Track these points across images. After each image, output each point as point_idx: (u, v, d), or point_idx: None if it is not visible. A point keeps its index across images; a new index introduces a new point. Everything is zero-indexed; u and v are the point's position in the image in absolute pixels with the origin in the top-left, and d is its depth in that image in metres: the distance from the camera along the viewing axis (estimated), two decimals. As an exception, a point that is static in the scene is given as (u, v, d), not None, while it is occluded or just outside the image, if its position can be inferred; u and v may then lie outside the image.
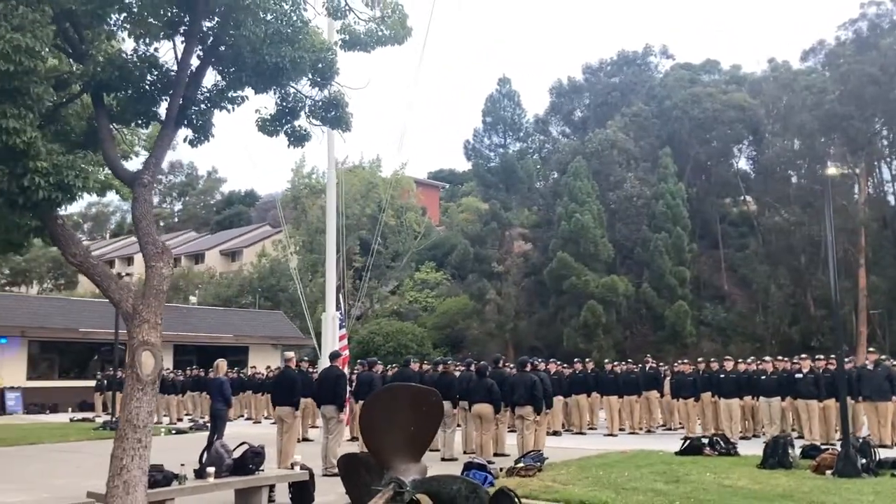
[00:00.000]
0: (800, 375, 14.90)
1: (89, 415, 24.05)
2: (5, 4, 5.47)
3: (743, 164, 51.68)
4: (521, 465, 11.61)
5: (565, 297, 42.66)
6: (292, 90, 9.06)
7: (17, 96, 5.51)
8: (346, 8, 8.51)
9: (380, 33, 8.77)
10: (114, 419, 20.10)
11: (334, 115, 9.36)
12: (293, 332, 35.77)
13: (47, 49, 5.72)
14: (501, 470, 11.50)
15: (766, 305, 45.65)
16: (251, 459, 9.03)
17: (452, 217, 52.98)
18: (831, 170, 13.02)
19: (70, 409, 25.78)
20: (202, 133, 7.80)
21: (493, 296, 43.03)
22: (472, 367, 13.95)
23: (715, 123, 45.82)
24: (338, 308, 16.25)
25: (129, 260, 65.15)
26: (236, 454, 9.05)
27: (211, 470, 8.61)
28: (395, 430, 8.43)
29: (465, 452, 14.00)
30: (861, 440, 11.32)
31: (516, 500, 7.77)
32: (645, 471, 11.46)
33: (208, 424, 15.44)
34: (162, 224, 76.68)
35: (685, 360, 19.53)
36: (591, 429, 19.03)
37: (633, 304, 44.51)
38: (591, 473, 11.31)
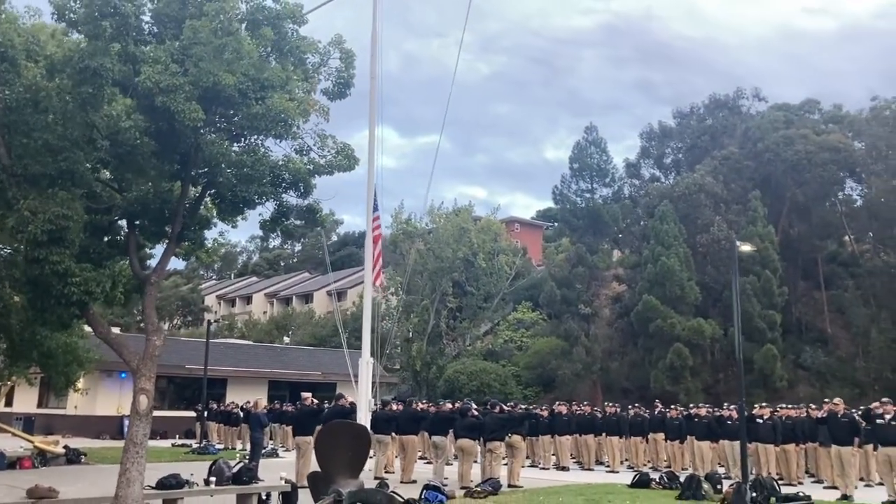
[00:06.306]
0: (760, 421, 16.57)
1: (188, 441, 27.90)
2: (52, 190, 9.21)
3: (851, 203, 50.88)
4: (478, 489, 14.28)
5: (653, 339, 43.74)
6: (284, 201, 12.58)
7: (59, 241, 9.18)
8: (308, 148, 11.86)
9: (336, 163, 12.07)
10: (202, 444, 24.17)
11: (311, 217, 12.79)
12: (377, 370, 38.88)
13: (77, 214, 9.40)
14: (463, 491, 14.27)
15: (868, 350, 44.68)
16: (245, 473, 12.33)
17: (549, 258, 55.21)
18: (744, 247, 14.67)
19: (177, 436, 29.35)
20: (196, 246, 11.44)
21: (582, 337, 44.75)
22: (457, 407, 16.78)
23: (809, 165, 45.71)
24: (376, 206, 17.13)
25: (248, 299, 70.70)
26: (235, 469, 12.38)
27: (213, 479, 11.98)
28: (338, 454, 11.52)
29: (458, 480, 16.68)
30: (757, 477, 13.13)
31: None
32: (580, 499, 13.78)
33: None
34: (282, 265, 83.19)
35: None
36: (607, 468, 21.03)
37: (724, 347, 44.96)
38: (534, 499, 13.77)
